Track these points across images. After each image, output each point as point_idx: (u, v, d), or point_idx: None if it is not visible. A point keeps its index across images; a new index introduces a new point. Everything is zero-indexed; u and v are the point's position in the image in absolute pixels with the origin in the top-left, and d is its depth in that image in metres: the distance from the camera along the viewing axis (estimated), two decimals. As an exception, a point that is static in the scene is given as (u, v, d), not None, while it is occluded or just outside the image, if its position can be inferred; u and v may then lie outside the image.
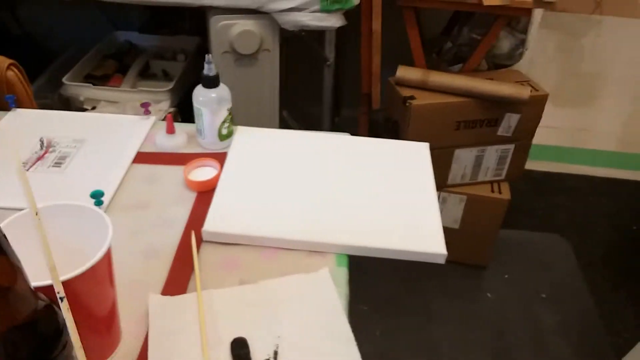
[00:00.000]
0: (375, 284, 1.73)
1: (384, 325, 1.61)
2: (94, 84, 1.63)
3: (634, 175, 2.18)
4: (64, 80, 1.61)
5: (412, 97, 1.50)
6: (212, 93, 0.87)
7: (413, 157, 0.94)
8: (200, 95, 0.87)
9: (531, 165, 2.16)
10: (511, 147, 1.62)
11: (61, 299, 0.38)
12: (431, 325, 1.62)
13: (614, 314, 1.68)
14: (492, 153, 1.63)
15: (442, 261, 0.76)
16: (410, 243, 0.76)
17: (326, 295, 0.70)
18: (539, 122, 1.59)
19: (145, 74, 1.78)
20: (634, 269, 1.81)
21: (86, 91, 1.61)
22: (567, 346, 1.58)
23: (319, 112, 1.77)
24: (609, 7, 3.68)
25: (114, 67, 1.77)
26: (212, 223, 0.77)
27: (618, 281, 1.78)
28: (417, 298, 1.70)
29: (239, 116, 1.05)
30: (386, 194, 0.85)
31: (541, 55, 3.01)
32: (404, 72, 1.54)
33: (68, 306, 0.38)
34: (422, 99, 1.50)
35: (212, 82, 0.86)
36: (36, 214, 0.36)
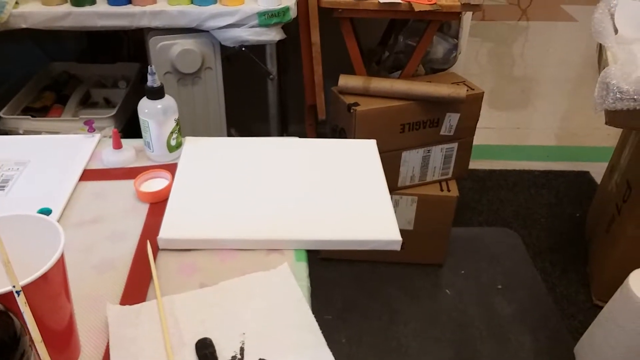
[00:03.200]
0: (336, 293, 1.74)
1: (348, 331, 1.61)
2: (33, 117, 1.59)
3: (570, 166, 2.30)
4: (0, 114, 1.56)
5: (356, 104, 1.54)
6: (158, 104, 0.87)
7: (361, 153, 0.96)
8: (146, 108, 0.87)
9: (475, 164, 2.24)
10: (455, 145, 1.68)
11: (17, 292, 0.38)
12: (395, 326, 1.64)
13: (567, 298, 1.75)
14: (437, 153, 1.68)
15: (397, 247, 0.78)
16: (366, 232, 0.78)
17: (288, 289, 0.71)
18: (477, 119, 1.66)
19: (87, 103, 1.75)
20: (580, 253, 1.89)
21: (25, 124, 1.57)
22: (526, 333, 1.62)
23: (267, 128, 1.78)
24: (533, 13, 3.90)
25: (52, 98, 1.73)
26: (168, 230, 0.76)
27: (567, 266, 1.85)
28: (379, 302, 1.72)
29: (185, 135, 1.05)
30: (338, 189, 0.86)
31: (475, 62, 3.15)
32: (346, 80, 1.58)
33: (25, 300, 0.38)
34: (366, 105, 1.54)
35: (156, 94, 0.86)
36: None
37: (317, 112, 1.71)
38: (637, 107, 1.20)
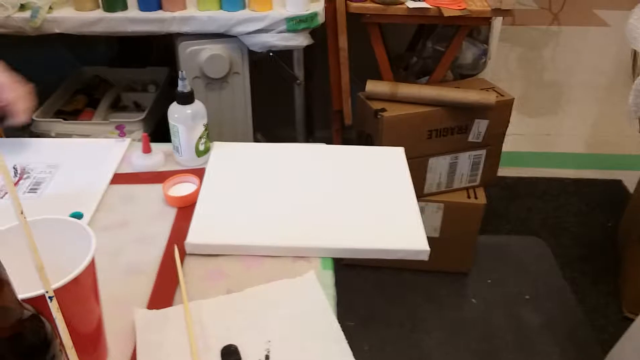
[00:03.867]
0: (360, 300, 1.73)
1: (371, 339, 1.60)
2: (64, 119, 1.62)
3: (601, 175, 2.25)
4: (33, 117, 1.59)
5: (383, 110, 1.53)
6: (187, 109, 0.87)
7: (389, 161, 0.95)
8: (176, 113, 0.88)
9: (503, 172, 2.20)
10: (483, 152, 1.66)
11: (50, 298, 0.38)
12: (418, 335, 1.62)
13: (597, 309, 1.71)
14: (465, 159, 1.66)
15: (425, 257, 0.77)
16: (393, 242, 0.77)
17: (314, 297, 0.70)
18: (507, 126, 1.64)
19: (117, 107, 1.78)
20: (611, 264, 1.85)
21: (57, 126, 1.60)
22: (554, 345, 1.59)
23: (293, 133, 1.78)
24: (565, 18, 3.83)
25: (84, 101, 1.76)
26: (195, 235, 0.77)
27: (597, 277, 1.81)
28: (403, 310, 1.70)
29: (212, 139, 1.06)
30: (366, 196, 0.86)
31: (505, 67, 3.10)
32: (373, 86, 1.57)
33: (57, 306, 0.38)
34: (393, 111, 1.53)
35: (186, 99, 0.87)
36: (21, 213, 0.36)
37: (343, 117, 1.70)
38: (674, 116, 1.17)
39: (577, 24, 3.69)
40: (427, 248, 0.76)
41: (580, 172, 2.29)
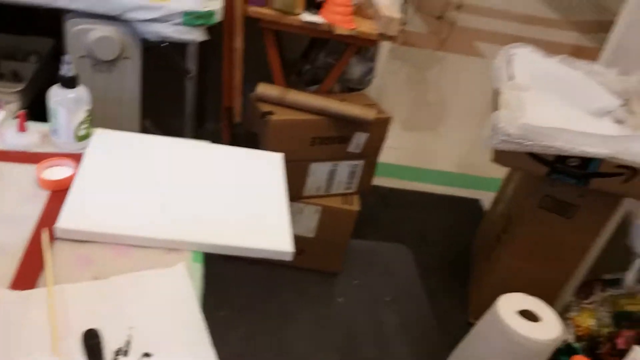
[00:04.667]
0: (234, 291, 1.78)
1: (242, 329, 1.65)
2: None
3: (465, 193, 2.48)
4: None
5: (270, 113, 1.59)
6: (70, 93, 0.87)
7: (267, 165, 1.01)
8: (57, 95, 0.87)
9: (379, 181, 2.36)
10: (360, 162, 1.78)
11: None
12: (287, 328, 1.70)
13: (447, 314, 1.89)
14: (344, 168, 1.77)
15: (289, 258, 0.84)
16: (261, 241, 0.83)
17: (181, 288, 0.74)
18: (384, 141, 1.77)
19: (-9, 74, 1.67)
20: (463, 275, 2.06)
21: None
22: (406, 345, 1.74)
23: (182, 124, 1.78)
24: (450, 45, 4.14)
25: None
26: (66, 220, 0.77)
27: (451, 286, 2.01)
28: (274, 303, 1.78)
29: (96, 124, 1.05)
30: (240, 197, 0.91)
31: (393, 85, 3.30)
32: (264, 89, 1.62)
33: None
34: (280, 115, 1.59)
35: (70, 83, 0.86)
36: None
37: (232, 114, 1.74)
38: (520, 150, 1.34)
39: (460, 52, 4.01)
40: (291, 250, 0.83)
41: (447, 189, 2.51)
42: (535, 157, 1.35)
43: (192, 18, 1.40)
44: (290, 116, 1.60)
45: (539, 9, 5.51)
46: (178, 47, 1.51)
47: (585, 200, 1.46)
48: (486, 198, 2.43)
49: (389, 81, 3.29)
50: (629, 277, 1.61)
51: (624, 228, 1.66)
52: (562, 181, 1.38)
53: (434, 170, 2.66)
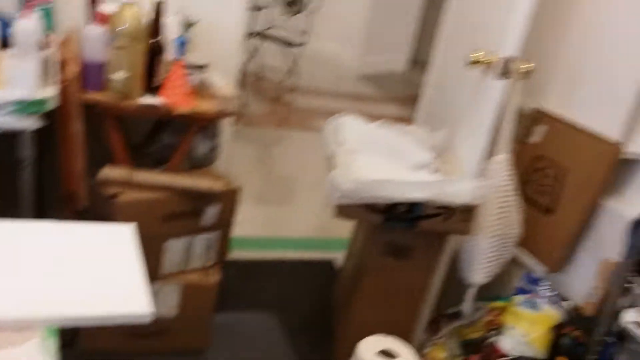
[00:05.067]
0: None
1: None
2: None
3: (323, 255, 2.62)
4: None
5: (118, 194, 1.58)
6: None
7: (118, 237, 1.03)
8: None
9: (239, 254, 2.40)
10: (215, 234, 1.82)
11: None
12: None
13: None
14: (199, 242, 1.79)
15: (148, 320, 0.85)
16: (116, 307, 0.84)
17: (33, 366, 0.72)
18: (235, 211, 1.84)
19: None
20: (327, 332, 2.14)
21: None
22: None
23: (20, 216, 1.69)
24: (290, 122, 4.43)
25: None
26: None
27: (317, 344, 2.07)
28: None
29: None
30: (92, 268, 0.91)
31: (240, 163, 3.43)
32: (109, 171, 1.62)
33: None
34: (129, 195, 1.60)
35: None
36: None
37: (76, 201, 1.69)
38: (356, 203, 1.50)
39: (298, 129, 4.31)
40: (150, 310, 0.85)
41: (303, 253, 2.63)
42: (370, 207, 1.52)
43: (23, 106, 1.39)
44: (139, 195, 1.61)
45: (363, 88, 6.21)
46: (11, 136, 1.47)
47: (418, 242, 1.65)
48: (339, 257, 2.58)
49: (237, 160, 3.42)
50: (466, 306, 1.81)
51: (455, 263, 1.88)
52: (396, 226, 1.55)
53: (289, 237, 2.78)
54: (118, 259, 0.95)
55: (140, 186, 1.64)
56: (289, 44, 4.69)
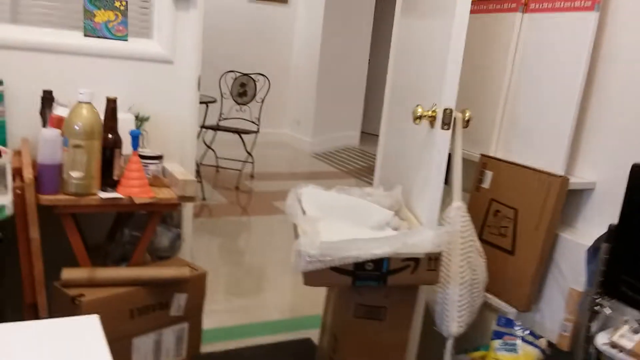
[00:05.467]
0: None
1: None
2: None
3: (294, 335, 2.57)
4: None
5: (81, 295, 1.55)
6: None
7: (84, 330, 1.00)
8: None
9: (212, 347, 2.33)
10: (185, 325, 1.77)
11: None
12: None
13: None
14: (169, 334, 1.74)
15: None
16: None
17: None
18: (204, 297, 1.81)
19: None
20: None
21: None
22: None
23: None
24: (252, 209, 4.45)
25: None
26: None
27: None
28: None
29: None
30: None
31: (206, 255, 3.40)
32: (69, 273, 1.59)
33: None
34: (92, 295, 1.56)
35: None
36: None
37: (38, 310, 1.64)
38: (323, 267, 1.51)
39: (261, 214, 4.33)
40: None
41: (279, 336, 2.56)
42: (338, 270, 1.53)
43: (-21, 216, 1.37)
44: (103, 294, 1.58)
45: (319, 165, 6.34)
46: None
47: (389, 301, 1.65)
48: (316, 334, 2.54)
49: (203, 253, 3.40)
50: (446, 359, 1.79)
51: (429, 316, 1.88)
52: (366, 285, 1.56)
53: (263, 322, 2.72)
54: (86, 355, 0.92)
55: (104, 284, 1.61)
56: (242, 132, 4.81)
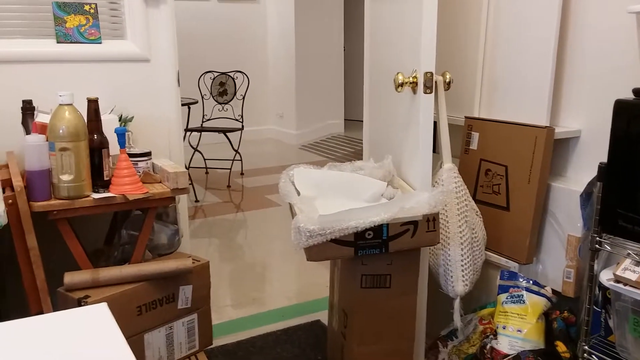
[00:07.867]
0: None
1: None
2: None
3: (304, 319, 2.58)
4: None
5: (86, 297, 1.55)
6: None
7: (94, 318, 1.00)
8: None
9: (224, 340, 2.33)
10: (194, 316, 1.78)
11: None
12: None
13: None
14: (180, 327, 1.74)
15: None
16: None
17: None
18: (209, 287, 1.81)
19: None
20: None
21: None
22: None
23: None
24: (246, 205, 4.45)
25: None
26: None
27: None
28: None
29: None
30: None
31: (207, 255, 3.39)
32: (71, 277, 1.59)
33: None
34: (97, 295, 1.56)
35: None
36: None
37: (46, 318, 1.63)
38: (324, 240, 1.52)
39: (256, 208, 4.33)
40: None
41: (287, 322, 2.57)
42: (339, 242, 1.54)
43: (-26, 227, 1.37)
44: (108, 293, 1.58)
45: (307, 156, 6.32)
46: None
47: (393, 266, 1.67)
48: (324, 316, 2.55)
49: (204, 252, 3.39)
50: (456, 318, 1.81)
51: (435, 282, 1.90)
52: (368, 254, 1.57)
53: (272, 310, 2.73)
54: (102, 341, 0.92)
55: (108, 283, 1.60)
56: (227, 131, 4.80)
